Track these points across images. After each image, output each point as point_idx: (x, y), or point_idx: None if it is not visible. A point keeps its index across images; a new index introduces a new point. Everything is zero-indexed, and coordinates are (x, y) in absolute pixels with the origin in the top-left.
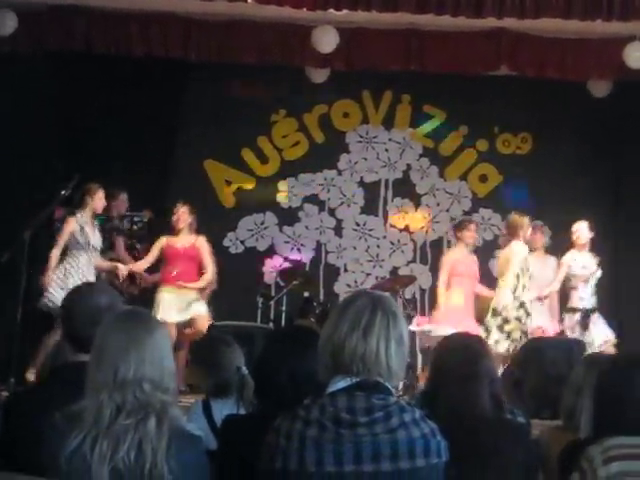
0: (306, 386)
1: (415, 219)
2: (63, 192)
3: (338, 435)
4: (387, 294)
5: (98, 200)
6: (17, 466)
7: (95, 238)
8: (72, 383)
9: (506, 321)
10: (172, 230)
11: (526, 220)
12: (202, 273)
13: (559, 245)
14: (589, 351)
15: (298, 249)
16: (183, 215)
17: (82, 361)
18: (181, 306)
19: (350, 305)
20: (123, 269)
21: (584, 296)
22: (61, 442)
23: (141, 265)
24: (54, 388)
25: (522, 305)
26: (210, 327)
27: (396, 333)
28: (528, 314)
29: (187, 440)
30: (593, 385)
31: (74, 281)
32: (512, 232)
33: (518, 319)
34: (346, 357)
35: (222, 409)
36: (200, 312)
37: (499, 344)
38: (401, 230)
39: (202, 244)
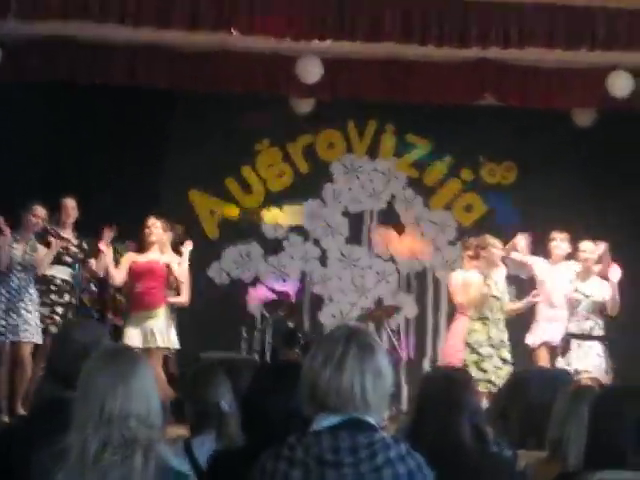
0: (294, 421)
1: (400, 249)
2: (48, 227)
3: (323, 476)
4: (364, 327)
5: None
6: None
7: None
8: (56, 419)
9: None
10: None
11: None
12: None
13: None
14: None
15: (283, 279)
16: (156, 229)
17: (66, 397)
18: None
19: (326, 339)
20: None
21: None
22: (47, 478)
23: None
24: (39, 424)
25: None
26: (195, 359)
27: (372, 366)
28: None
29: (173, 477)
30: (580, 416)
31: None
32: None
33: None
34: (321, 391)
35: (201, 445)
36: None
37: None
38: (386, 260)
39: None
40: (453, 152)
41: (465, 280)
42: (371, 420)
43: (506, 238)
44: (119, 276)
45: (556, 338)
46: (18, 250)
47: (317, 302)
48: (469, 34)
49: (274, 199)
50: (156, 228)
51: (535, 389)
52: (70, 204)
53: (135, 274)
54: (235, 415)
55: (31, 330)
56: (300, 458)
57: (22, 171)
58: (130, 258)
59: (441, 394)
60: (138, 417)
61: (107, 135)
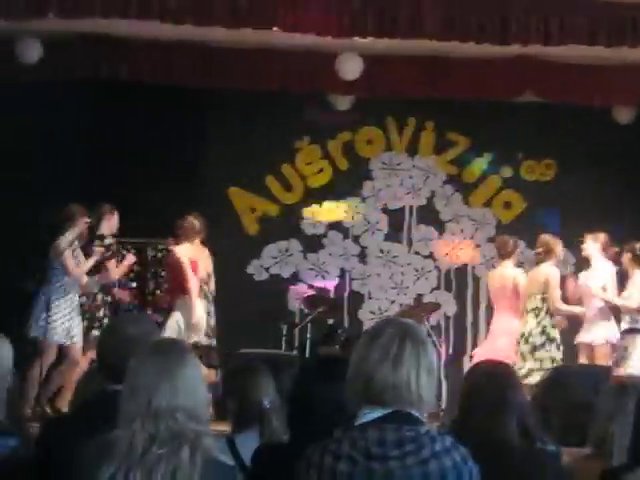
0: (340, 415)
1: (439, 246)
2: (88, 220)
3: (369, 470)
4: (416, 323)
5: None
6: None
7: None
8: (105, 412)
9: (535, 348)
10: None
11: (558, 242)
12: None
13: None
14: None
15: (322, 276)
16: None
17: (115, 390)
18: None
19: (379, 334)
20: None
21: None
22: (94, 472)
23: None
24: (87, 417)
25: (544, 331)
26: (236, 355)
27: (426, 362)
28: (552, 340)
29: (220, 470)
30: (625, 412)
31: None
32: (547, 252)
33: (542, 345)
34: (377, 387)
35: (244, 442)
36: None
37: (533, 373)
38: (425, 257)
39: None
40: (492, 149)
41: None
42: (417, 414)
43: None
44: None
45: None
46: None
47: (356, 299)
48: (510, 30)
49: (314, 196)
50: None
51: (576, 386)
52: (116, 217)
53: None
54: (278, 412)
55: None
56: (346, 451)
57: (59, 170)
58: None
59: (485, 389)
60: (185, 411)
61: (147, 133)
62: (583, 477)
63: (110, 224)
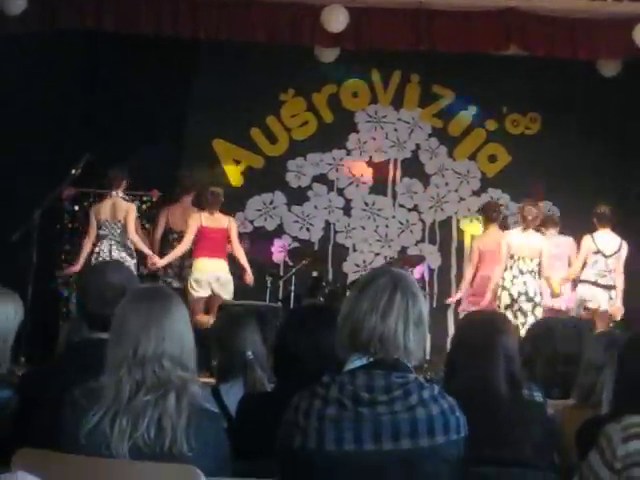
0: (326, 362)
1: (424, 199)
2: (73, 171)
3: (357, 414)
4: (408, 273)
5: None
6: (34, 442)
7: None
8: (88, 359)
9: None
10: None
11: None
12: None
13: (568, 224)
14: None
15: (307, 229)
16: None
17: (98, 337)
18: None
19: (370, 284)
20: (158, 262)
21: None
22: (80, 418)
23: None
24: (70, 364)
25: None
26: (220, 307)
27: (415, 314)
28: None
29: (206, 417)
30: (615, 363)
31: None
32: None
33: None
34: (364, 337)
35: (229, 392)
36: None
37: None
38: (410, 210)
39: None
40: (477, 102)
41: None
42: (405, 362)
43: (526, 190)
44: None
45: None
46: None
47: (341, 252)
48: None
49: (299, 149)
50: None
51: (560, 338)
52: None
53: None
54: (263, 362)
55: None
56: (335, 396)
57: (45, 122)
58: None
59: (476, 338)
60: (172, 357)
61: (132, 85)
62: (568, 427)
63: (124, 185)
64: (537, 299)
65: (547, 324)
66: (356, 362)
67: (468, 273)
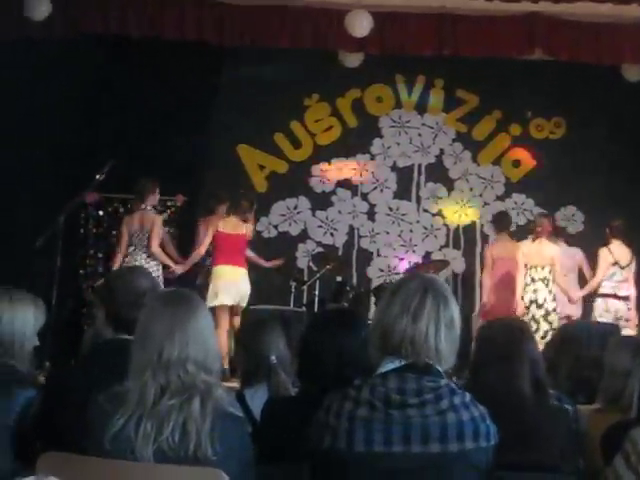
0: (350, 368)
1: (448, 204)
2: (98, 177)
3: (388, 416)
4: (438, 277)
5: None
6: (58, 446)
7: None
8: (112, 360)
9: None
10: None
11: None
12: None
13: (592, 230)
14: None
15: (331, 234)
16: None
17: (122, 338)
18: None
19: (401, 288)
20: (177, 269)
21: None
22: (105, 422)
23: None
24: (94, 365)
25: (554, 298)
26: (245, 312)
27: (447, 317)
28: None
29: (231, 421)
30: None
31: None
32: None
33: (554, 310)
34: (395, 340)
35: (253, 396)
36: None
37: (548, 334)
38: (434, 215)
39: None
40: (502, 107)
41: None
42: (437, 366)
43: (550, 195)
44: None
45: None
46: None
47: (365, 256)
48: None
49: (323, 154)
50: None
51: (585, 343)
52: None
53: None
54: (287, 367)
55: None
56: (366, 398)
57: (69, 125)
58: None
59: (498, 341)
60: (196, 361)
61: (158, 91)
62: (593, 431)
63: (155, 197)
64: (548, 306)
65: (572, 329)
66: (389, 365)
67: (486, 280)
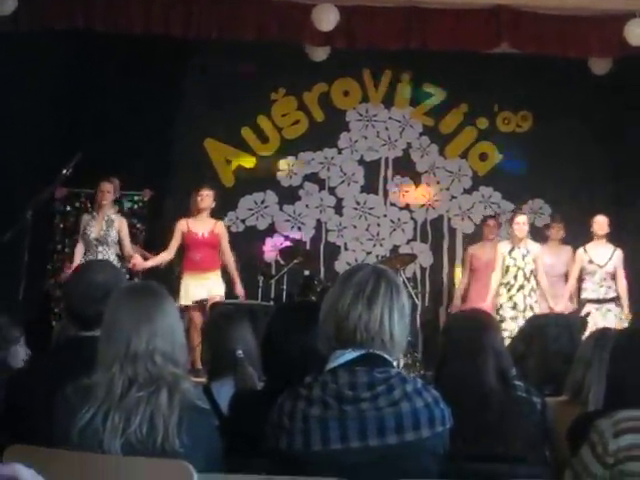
0: (314, 360)
1: (415, 197)
2: (64, 171)
3: (342, 412)
4: (385, 266)
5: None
6: (23, 440)
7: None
8: (74, 358)
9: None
10: (192, 211)
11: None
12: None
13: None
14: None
15: (298, 228)
16: (207, 198)
17: (84, 336)
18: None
19: (353, 275)
20: (138, 264)
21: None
22: (72, 416)
23: (164, 257)
24: (57, 363)
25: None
26: (212, 305)
27: (399, 304)
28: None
29: (198, 413)
30: (603, 359)
31: None
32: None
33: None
34: (350, 326)
35: (220, 389)
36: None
37: None
38: (401, 208)
39: (221, 230)
40: (469, 100)
41: None
42: (387, 356)
43: (517, 188)
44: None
45: None
46: (94, 228)
47: (333, 250)
48: None
49: (290, 148)
50: (208, 197)
51: (552, 335)
52: (106, 188)
53: (192, 245)
54: (254, 360)
55: None
56: (318, 396)
57: (35, 120)
58: (182, 229)
59: (465, 335)
60: (163, 353)
61: (123, 85)
62: (560, 423)
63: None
64: (520, 306)
65: (540, 320)
66: (339, 359)
67: (464, 278)
